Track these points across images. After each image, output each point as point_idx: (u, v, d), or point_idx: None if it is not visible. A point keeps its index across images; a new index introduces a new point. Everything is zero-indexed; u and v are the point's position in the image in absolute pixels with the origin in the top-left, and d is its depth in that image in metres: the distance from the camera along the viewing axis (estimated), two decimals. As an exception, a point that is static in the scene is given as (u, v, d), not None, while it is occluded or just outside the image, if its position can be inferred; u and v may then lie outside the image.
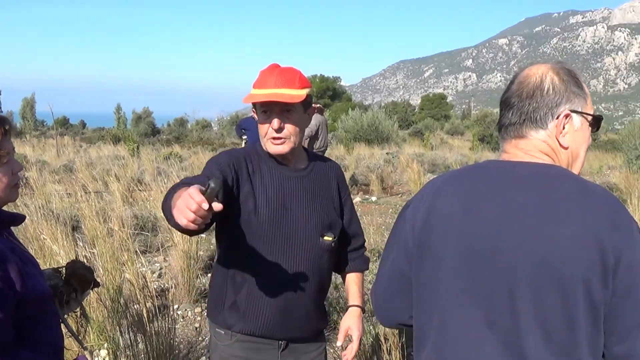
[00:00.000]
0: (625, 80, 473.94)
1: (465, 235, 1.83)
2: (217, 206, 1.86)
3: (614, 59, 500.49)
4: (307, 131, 15.43)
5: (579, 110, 1.91)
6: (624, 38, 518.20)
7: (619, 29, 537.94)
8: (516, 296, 1.73)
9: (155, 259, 8.47)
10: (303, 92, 2.77)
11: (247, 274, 2.77)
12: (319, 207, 2.91)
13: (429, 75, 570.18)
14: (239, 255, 2.79)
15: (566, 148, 1.92)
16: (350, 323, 3.11)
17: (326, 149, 16.69)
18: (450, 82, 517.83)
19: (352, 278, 3.23)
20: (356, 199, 14.88)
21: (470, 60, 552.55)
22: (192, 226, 1.89)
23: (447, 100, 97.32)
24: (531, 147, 1.91)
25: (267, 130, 2.79)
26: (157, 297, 6.22)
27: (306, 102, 2.82)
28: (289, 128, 2.78)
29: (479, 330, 1.78)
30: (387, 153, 24.41)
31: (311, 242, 2.83)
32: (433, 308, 1.89)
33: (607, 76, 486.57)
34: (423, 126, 52.72)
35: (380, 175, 18.00)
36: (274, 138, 2.79)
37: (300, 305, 2.86)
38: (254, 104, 2.82)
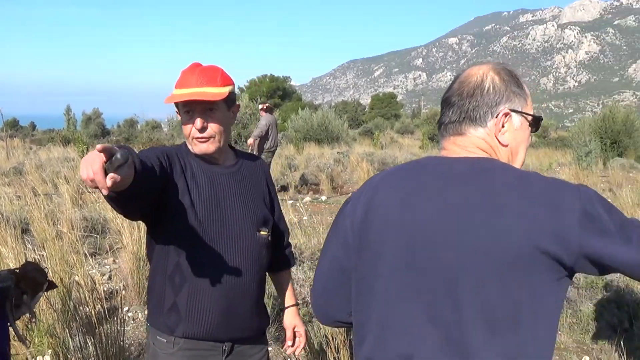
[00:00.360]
0: (575, 78, 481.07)
1: (405, 230, 1.83)
2: (112, 178, 1.82)
3: (564, 57, 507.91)
4: (257, 131, 15.52)
5: (519, 109, 1.95)
6: (574, 36, 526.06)
7: (569, 27, 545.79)
8: (458, 290, 1.74)
9: (105, 261, 8.43)
10: (225, 90, 2.74)
11: (186, 273, 2.70)
12: (251, 203, 2.89)
13: (379, 74, 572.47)
14: (176, 255, 2.72)
15: (506, 146, 1.95)
16: (295, 321, 3.16)
17: (276, 149, 16.73)
18: (400, 81, 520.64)
19: (284, 276, 3.25)
20: (306, 199, 14.95)
21: (420, 60, 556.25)
22: (90, 184, 1.85)
23: (397, 100, 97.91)
24: (469, 143, 1.94)
25: (190, 131, 2.76)
26: (106, 299, 6.23)
27: (229, 100, 2.80)
28: (212, 127, 2.75)
29: (421, 324, 1.78)
30: (337, 152, 24.49)
31: (248, 237, 2.81)
32: (373, 303, 1.89)
33: (557, 74, 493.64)
34: (373, 125, 52.98)
35: (330, 174, 18.06)
36: (198, 138, 2.76)
37: (243, 303, 2.82)
38: (177, 105, 2.77)
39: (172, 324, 2.73)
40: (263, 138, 15.58)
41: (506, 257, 1.71)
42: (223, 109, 2.80)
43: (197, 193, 2.73)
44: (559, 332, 6.70)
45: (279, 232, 3.17)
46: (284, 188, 17.07)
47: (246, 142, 22.33)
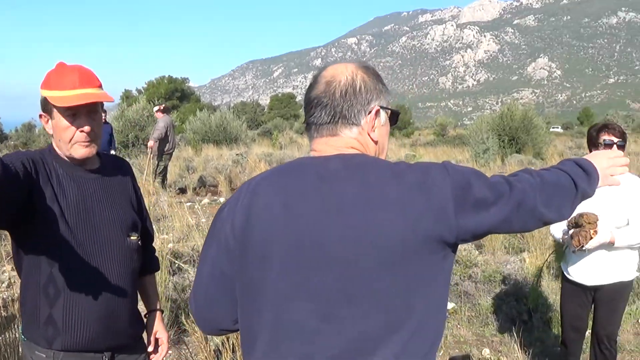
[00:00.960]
0: (474, 77, 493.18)
1: (289, 231, 1.83)
2: None
3: (462, 57, 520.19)
4: (157, 133, 15.35)
5: (385, 106, 2.01)
6: (473, 36, 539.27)
7: (468, 27, 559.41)
8: (350, 285, 1.77)
9: (4, 268, 8.19)
10: (105, 91, 2.71)
11: (60, 284, 2.60)
12: (120, 208, 2.82)
13: (278, 75, 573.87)
14: (48, 265, 2.61)
15: (376, 142, 2.00)
16: (158, 327, 3.14)
17: (174, 151, 16.60)
18: (300, 81, 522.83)
19: (150, 280, 3.20)
20: (204, 201, 14.87)
21: (320, 60, 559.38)
22: None
23: (297, 100, 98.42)
24: (342, 144, 1.96)
25: (73, 134, 2.65)
26: (5, 307, 6.08)
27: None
28: (96, 130, 2.70)
29: (315, 323, 1.80)
30: (235, 154, 24.44)
31: (120, 243, 2.76)
32: (263, 306, 1.87)
33: (456, 73, 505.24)
34: (272, 126, 53.02)
35: (229, 176, 17.91)
36: (83, 141, 2.68)
37: (120, 311, 2.76)
38: (50, 107, 2.65)
39: (49, 337, 2.64)
40: (162, 140, 15.43)
41: (392, 248, 1.76)
42: (100, 112, 2.76)
43: (65, 200, 2.64)
44: (458, 326, 6.89)
45: (147, 236, 3.12)
46: (182, 190, 16.93)
47: (144, 144, 22.11)
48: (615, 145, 4.55)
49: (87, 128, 2.66)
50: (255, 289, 1.90)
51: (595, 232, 4.33)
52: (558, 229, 4.74)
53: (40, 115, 2.74)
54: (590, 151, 4.60)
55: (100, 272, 2.67)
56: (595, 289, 4.73)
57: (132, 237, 2.84)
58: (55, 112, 2.66)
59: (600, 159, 2.23)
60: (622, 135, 4.62)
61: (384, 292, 1.77)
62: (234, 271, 1.96)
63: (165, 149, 15.66)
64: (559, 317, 5.22)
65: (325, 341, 1.79)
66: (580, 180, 2.08)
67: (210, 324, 2.12)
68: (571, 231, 4.42)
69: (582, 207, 4.45)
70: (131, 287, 2.85)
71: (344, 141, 1.97)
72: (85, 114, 2.66)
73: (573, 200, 2.07)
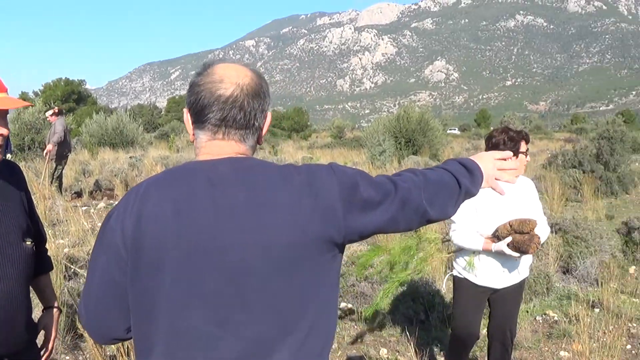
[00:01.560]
0: (371, 80, 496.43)
1: (182, 238, 1.79)
2: None
3: (360, 59, 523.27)
4: (56, 137, 15.04)
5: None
6: (371, 39, 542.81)
7: (366, 30, 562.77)
8: (244, 289, 1.78)
9: None
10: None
11: None
12: (13, 213, 2.75)
13: (175, 77, 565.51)
14: None
15: (261, 144, 2.07)
16: (50, 323, 3.09)
17: (69, 154, 16.37)
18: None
19: (45, 280, 3.13)
20: (100, 205, 14.69)
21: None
22: None
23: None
24: (236, 148, 1.95)
25: None
26: None
27: None
28: (5, 135, 2.69)
29: (211, 329, 1.79)
30: (130, 157, 24.17)
31: (15, 248, 2.71)
32: (158, 314, 1.82)
33: (353, 76, 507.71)
34: (169, 129, 52.32)
35: (125, 179, 17.63)
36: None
37: (15, 316, 2.72)
38: None
39: None
40: (61, 144, 15.17)
41: (284, 250, 1.79)
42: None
43: None
44: (356, 327, 6.95)
45: (40, 237, 3.07)
46: (78, 194, 16.69)
47: (41, 148, 21.62)
48: (524, 154, 4.68)
49: (5, 132, 2.67)
50: (149, 296, 1.84)
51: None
52: (469, 239, 4.72)
53: None
54: None
55: None
56: (495, 291, 4.85)
57: (27, 243, 2.79)
58: None
59: (485, 160, 2.29)
60: (518, 139, 4.67)
61: (277, 295, 1.80)
62: (125, 279, 1.89)
63: (64, 153, 15.45)
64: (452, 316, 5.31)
65: (223, 347, 1.79)
66: (463, 179, 2.14)
67: (103, 334, 2.04)
68: (509, 239, 4.45)
69: (500, 216, 4.60)
70: (25, 292, 2.81)
71: (239, 145, 1.96)
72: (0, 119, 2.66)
73: (457, 199, 2.12)
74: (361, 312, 7.13)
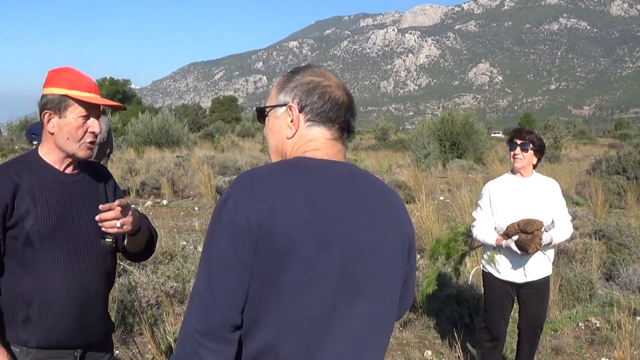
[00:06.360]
0: (415, 82, 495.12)
1: (314, 227, 1.85)
2: None
3: (404, 61, 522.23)
4: (100, 137, 15.21)
5: None
6: (415, 40, 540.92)
7: (409, 31, 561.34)
8: (359, 280, 1.92)
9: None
10: None
11: (36, 287, 2.73)
12: (96, 210, 2.81)
13: (219, 77, 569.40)
14: (24, 272, 2.74)
15: None
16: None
17: (112, 153, 16.51)
18: (241, 84, 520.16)
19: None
20: (147, 203, 14.86)
21: (261, 63, 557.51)
22: None
23: (238, 103, 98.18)
24: (345, 153, 2.09)
25: (84, 134, 2.80)
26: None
27: None
28: (96, 132, 2.83)
29: (326, 317, 1.87)
30: (177, 156, 24.31)
31: (94, 245, 2.87)
32: (277, 301, 1.85)
33: (397, 78, 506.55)
34: (214, 129, 52.73)
35: (171, 178, 17.85)
36: (90, 142, 2.84)
37: (93, 310, 2.88)
38: (63, 105, 2.75)
39: (25, 336, 2.74)
40: (105, 144, 15.30)
41: (404, 246, 2.06)
42: None
43: (46, 206, 2.75)
44: (401, 329, 7.02)
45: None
46: (125, 193, 16.90)
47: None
48: (518, 147, 5.03)
49: (98, 129, 2.82)
50: (272, 283, 1.85)
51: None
52: (486, 234, 5.12)
53: (44, 113, 2.79)
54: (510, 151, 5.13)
55: (76, 273, 2.79)
56: (520, 286, 5.11)
57: (107, 240, 2.91)
58: (69, 110, 2.78)
59: None
60: (531, 140, 5.05)
61: (384, 290, 2.00)
62: (251, 267, 1.86)
63: (106, 152, 15.58)
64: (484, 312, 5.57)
65: (333, 335, 1.89)
66: None
67: (223, 322, 1.88)
68: (515, 237, 4.78)
69: (513, 214, 4.89)
70: (104, 288, 2.97)
71: (345, 151, 2.10)
72: (95, 117, 2.83)
73: None
74: (407, 314, 7.10)
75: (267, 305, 1.86)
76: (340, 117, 2.05)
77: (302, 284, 1.84)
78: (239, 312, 1.88)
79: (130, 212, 2.85)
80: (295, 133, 2.04)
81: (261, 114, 2.18)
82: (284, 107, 2.06)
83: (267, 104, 2.14)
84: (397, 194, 2.17)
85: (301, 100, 2.03)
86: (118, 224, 2.77)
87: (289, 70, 2.16)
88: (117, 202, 2.78)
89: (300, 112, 2.04)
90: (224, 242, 1.87)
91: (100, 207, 2.75)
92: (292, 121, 2.04)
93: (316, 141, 2.04)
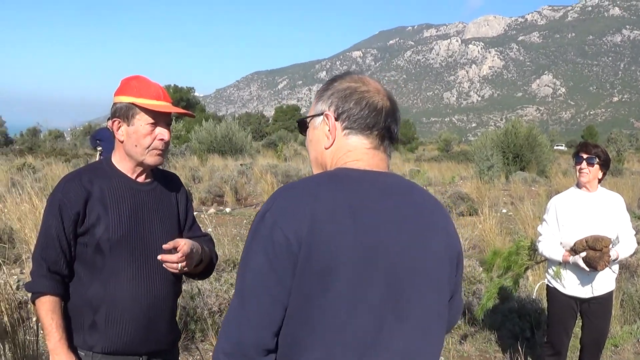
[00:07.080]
0: (478, 93, 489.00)
1: (358, 241, 1.78)
2: None
3: (467, 72, 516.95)
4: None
5: None
6: (478, 51, 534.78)
7: (472, 42, 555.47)
8: (402, 299, 1.85)
9: (12, 271, 8.36)
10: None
11: (104, 293, 2.78)
12: (167, 220, 2.97)
13: (283, 86, 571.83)
14: (93, 278, 2.80)
15: None
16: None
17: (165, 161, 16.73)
18: (304, 93, 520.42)
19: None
20: (210, 210, 15.00)
21: (325, 72, 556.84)
22: None
23: (301, 112, 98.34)
24: (388, 163, 2.03)
25: (151, 142, 2.83)
26: (18, 309, 6.27)
27: None
28: (165, 139, 2.87)
29: (369, 336, 1.81)
30: (240, 164, 24.47)
31: (164, 253, 2.83)
32: (319, 319, 1.78)
33: (460, 89, 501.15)
34: (277, 137, 52.94)
35: (234, 186, 18.03)
36: (159, 149, 2.87)
37: (160, 318, 2.92)
38: (131, 113, 2.81)
39: (92, 341, 2.80)
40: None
41: (452, 259, 2.01)
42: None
43: (117, 214, 2.81)
44: (462, 342, 6.99)
45: (199, 234, 3.19)
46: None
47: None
48: (584, 161, 5.00)
49: (166, 137, 2.87)
50: (313, 300, 1.79)
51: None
52: (553, 250, 5.11)
53: (114, 121, 2.86)
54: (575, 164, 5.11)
55: (144, 281, 2.85)
56: (584, 301, 5.11)
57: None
58: (137, 118, 2.83)
59: None
60: (597, 154, 5.02)
61: (428, 309, 1.93)
62: (290, 284, 1.79)
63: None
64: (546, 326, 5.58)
65: (376, 355, 1.82)
66: None
67: (257, 343, 1.82)
68: (583, 254, 4.78)
69: (580, 230, 4.87)
70: (172, 296, 3.01)
71: (388, 160, 2.03)
72: (164, 124, 2.88)
73: None
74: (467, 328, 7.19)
75: (310, 327, 1.78)
76: (380, 123, 1.96)
77: (348, 302, 1.78)
78: (272, 335, 1.81)
79: (192, 255, 2.89)
80: (333, 142, 1.98)
81: (302, 126, 2.12)
82: (321, 117, 2.01)
83: (308, 115, 2.10)
84: (442, 205, 2.11)
85: (338, 107, 1.97)
86: (179, 267, 2.85)
87: (329, 79, 2.09)
88: (180, 253, 2.80)
89: (336, 120, 1.97)
90: (260, 260, 1.80)
91: (164, 246, 2.78)
92: (329, 130, 1.98)
93: (355, 151, 1.97)
